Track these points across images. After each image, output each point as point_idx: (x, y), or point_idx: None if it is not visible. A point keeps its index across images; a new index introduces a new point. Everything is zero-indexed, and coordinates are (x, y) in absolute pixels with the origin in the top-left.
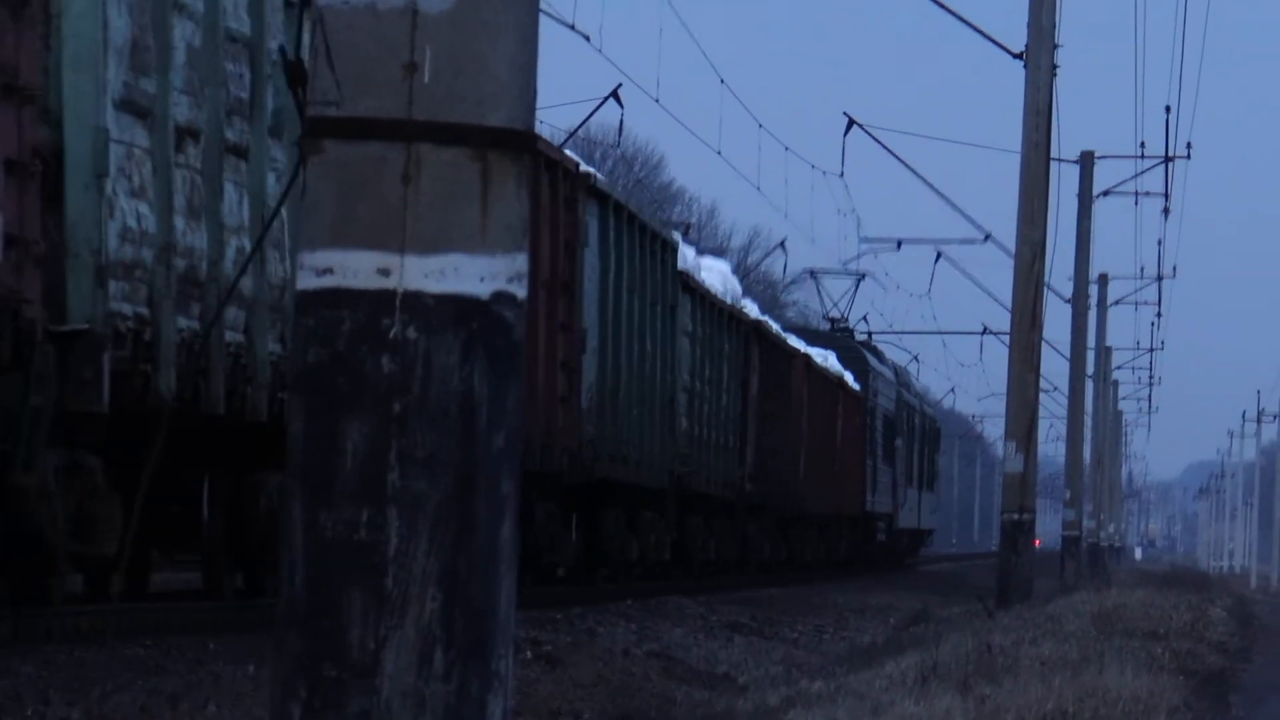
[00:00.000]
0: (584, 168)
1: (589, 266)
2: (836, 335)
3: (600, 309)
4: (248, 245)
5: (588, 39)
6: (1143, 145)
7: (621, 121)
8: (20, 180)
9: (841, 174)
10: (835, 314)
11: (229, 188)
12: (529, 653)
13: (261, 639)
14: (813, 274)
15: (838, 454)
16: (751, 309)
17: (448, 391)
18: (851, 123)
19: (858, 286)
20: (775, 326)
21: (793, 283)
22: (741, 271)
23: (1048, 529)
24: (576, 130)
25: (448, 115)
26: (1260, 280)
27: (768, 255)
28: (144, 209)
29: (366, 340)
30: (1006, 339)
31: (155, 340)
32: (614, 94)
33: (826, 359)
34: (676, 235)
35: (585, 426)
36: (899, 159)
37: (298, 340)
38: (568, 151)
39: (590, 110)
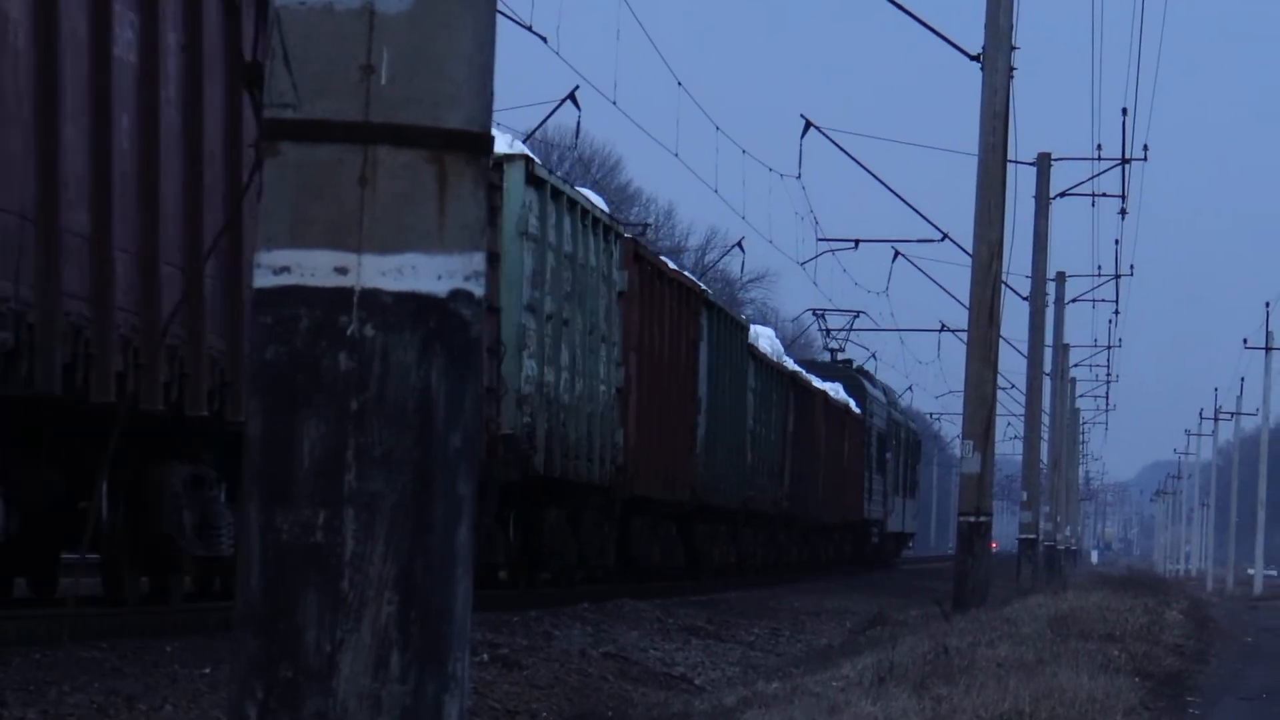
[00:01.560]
0: (701, 286)
1: (704, 354)
2: (839, 366)
3: (709, 383)
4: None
5: (545, 40)
6: (1099, 147)
7: (579, 123)
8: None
9: (799, 175)
10: (836, 348)
11: (564, 345)
12: (486, 655)
13: (217, 641)
14: (815, 312)
15: (844, 470)
16: (789, 363)
17: (405, 389)
18: (808, 125)
19: (854, 321)
20: (800, 371)
21: (751, 281)
22: (700, 270)
23: (1004, 531)
24: (534, 132)
25: (404, 117)
26: (1218, 279)
27: (725, 254)
28: (533, 364)
29: (324, 337)
30: (964, 336)
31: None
32: (571, 96)
33: (837, 391)
34: (743, 317)
35: (699, 468)
36: (856, 161)
37: (255, 339)
38: (525, 149)
39: (548, 112)
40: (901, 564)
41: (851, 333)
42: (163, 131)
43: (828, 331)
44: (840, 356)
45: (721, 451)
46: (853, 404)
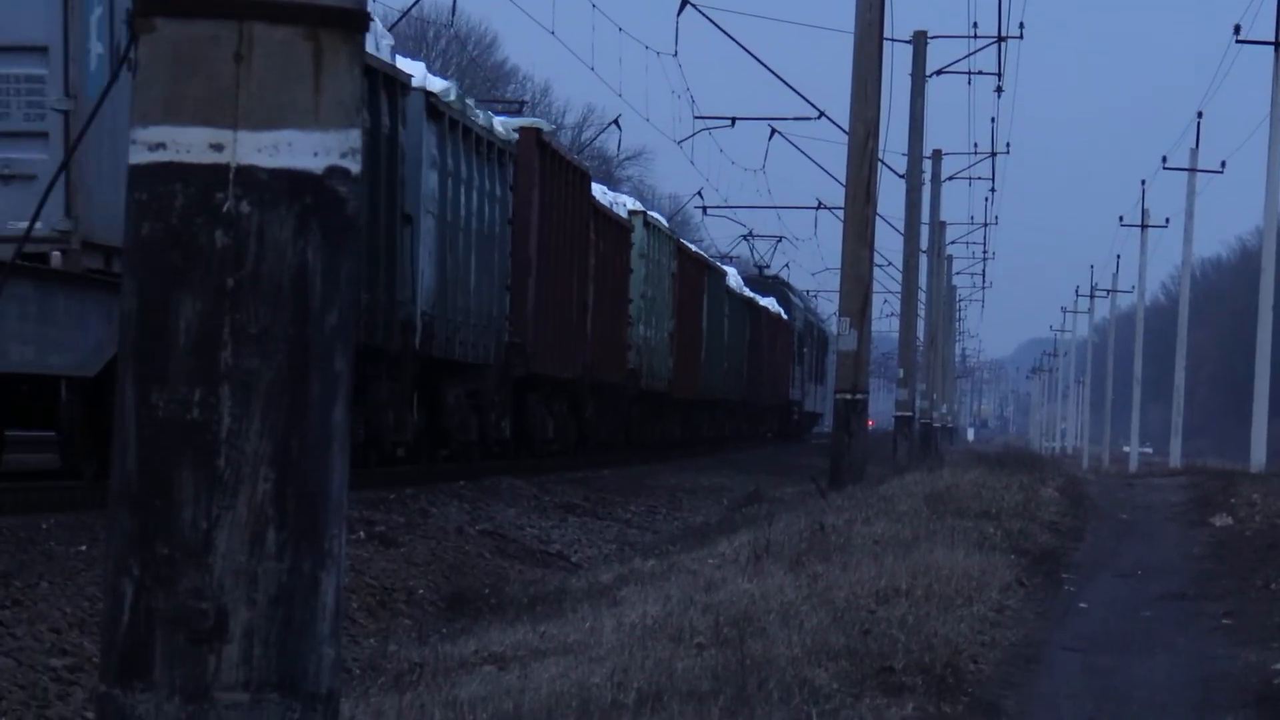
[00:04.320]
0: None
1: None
2: (769, 281)
3: (709, 318)
4: None
5: None
6: (975, 25)
7: (455, 1)
8: None
9: (675, 54)
10: (763, 264)
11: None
12: (363, 532)
13: (94, 518)
14: (745, 237)
15: (776, 365)
16: (747, 292)
17: (281, 266)
18: (685, 2)
19: (777, 244)
20: (755, 297)
21: (628, 159)
22: (576, 148)
23: (880, 409)
24: (410, 9)
25: None
26: (1094, 157)
27: (601, 132)
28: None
29: (200, 214)
30: (841, 214)
31: None
32: None
33: (772, 305)
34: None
35: (702, 372)
36: (733, 39)
37: (131, 215)
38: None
39: None
40: (812, 438)
41: (763, 242)
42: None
43: (757, 256)
44: (773, 275)
45: (715, 361)
46: (782, 313)
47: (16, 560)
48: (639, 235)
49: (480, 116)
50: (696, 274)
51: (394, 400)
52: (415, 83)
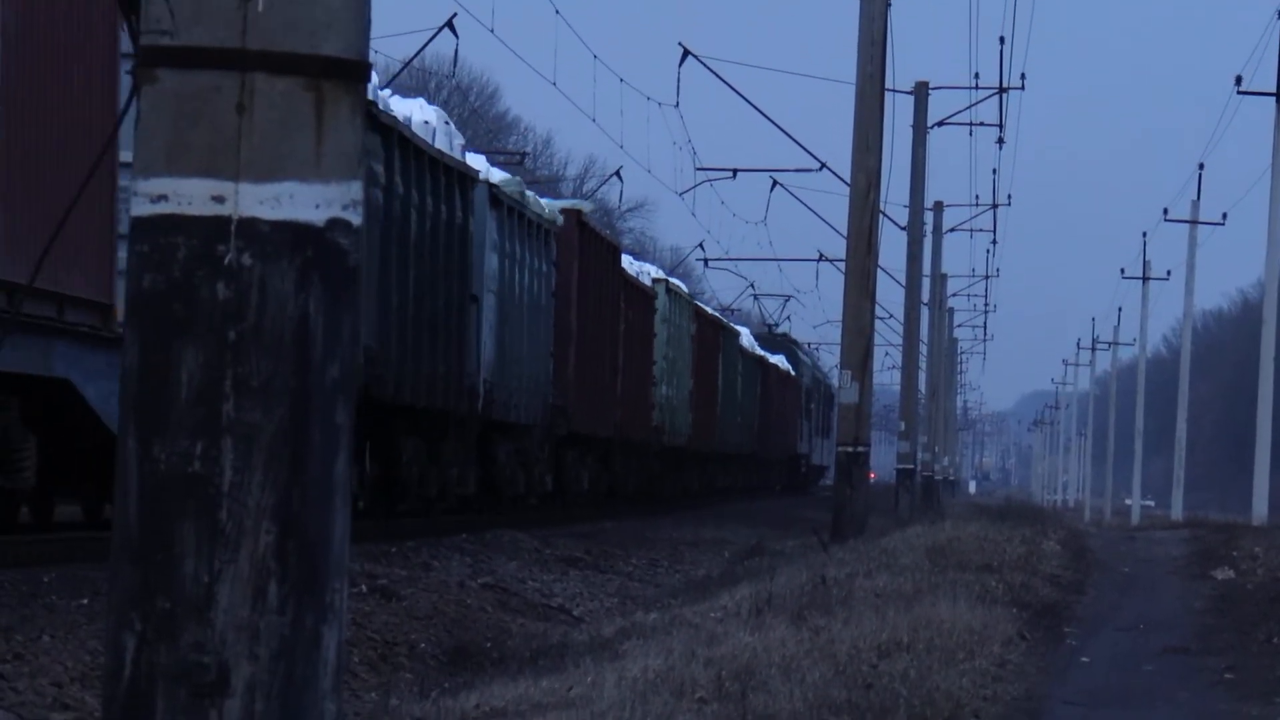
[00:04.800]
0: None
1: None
2: (778, 339)
3: (724, 376)
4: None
5: None
6: (977, 76)
7: (456, 51)
8: None
9: (677, 104)
10: (773, 323)
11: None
12: (364, 586)
13: (96, 572)
14: (754, 296)
15: (785, 419)
16: (757, 349)
17: (283, 318)
18: (686, 53)
19: (786, 303)
20: (766, 355)
21: (629, 210)
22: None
23: (882, 461)
24: (411, 60)
25: (282, 44)
26: (1095, 209)
27: (603, 184)
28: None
29: (202, 266)
30: (843, 266)
31: None
32: (449, 24)
33: (782, 362)
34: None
35: (718, 426)
36: (734, 89)
37: (133, 267)
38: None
39: (426, 40)
40: (818, 490)
41: (776, 306)
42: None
43: (764, 314)
44: (782, 333)
45: (729, 417)
46: (791, 370)
47: (18, 614)
48: (661, 301)
49: (531, 200)
50: (713, 335)
51: (458, 457)
52: (481, 175)
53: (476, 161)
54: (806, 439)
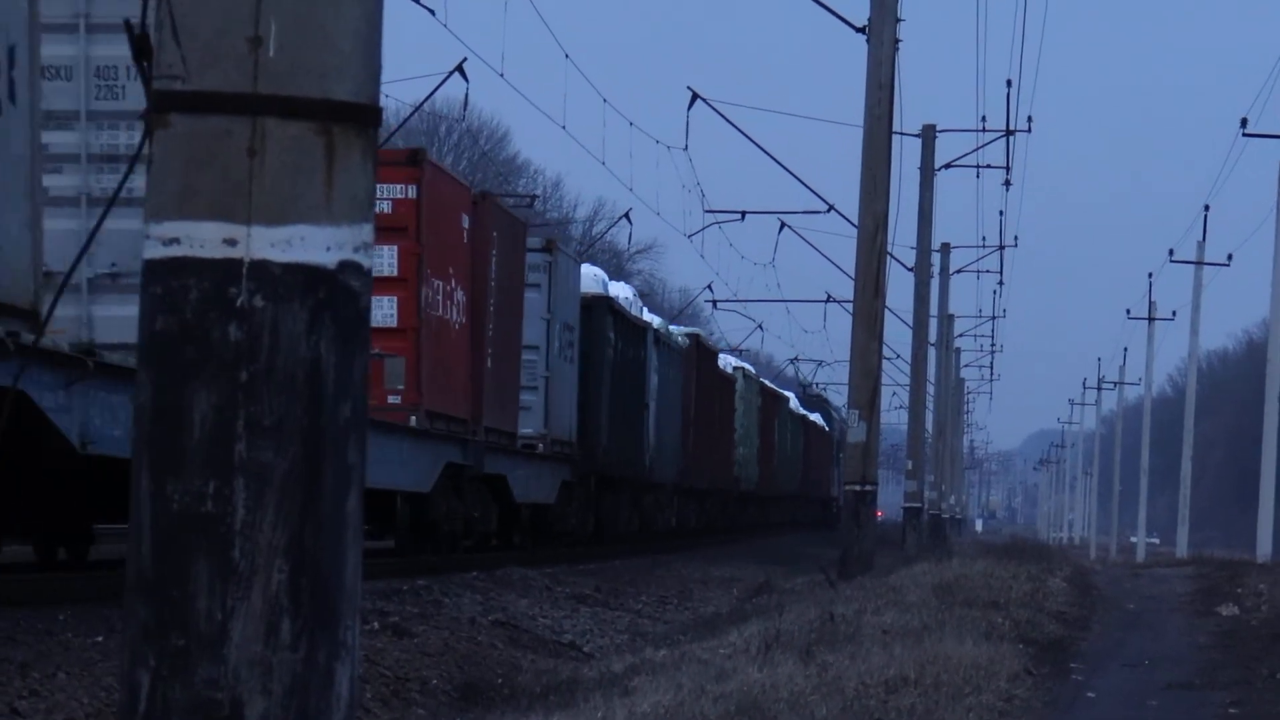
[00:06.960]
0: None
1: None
2: (813, 398)
3: (777, 433)
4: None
5: (433, 13)
6: (984, 119)
7: (467, 95)
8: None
9: (685, 147)
10: (807, 383)
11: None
12: (376, 623)
13: (110, 610)
14: (793, 361)
15: (819, 467)
16: (801, 409)
17: (295, 359)
18: (695, 97)
19: (819, 367)
20: (806, 414)
21: (638, 252)
22: (587, 242)
23: (889, 500)
24: (422, 104)
25: (292, 89)
26: (1102, 250)
27: (612, 226)
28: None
29: (214, 309)
30: (850, 307)
31: None
32: (459, 68)
33: (818, 419)
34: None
35: (769, 473)
36: (742, 133)
37: (145, 310)
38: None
39: (436, 84)
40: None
41: (818, 369)
42: None
43: (801, 376)
44: (815, 392)
45: (782, 466)
46: (824, 425)
47: (34, 651)
48: (740, 385)
49: (674, 334)
50: (772, 402)
51: (624, 505)
52: (647, 317)
53: (624, 289)
54: (836, 483)
